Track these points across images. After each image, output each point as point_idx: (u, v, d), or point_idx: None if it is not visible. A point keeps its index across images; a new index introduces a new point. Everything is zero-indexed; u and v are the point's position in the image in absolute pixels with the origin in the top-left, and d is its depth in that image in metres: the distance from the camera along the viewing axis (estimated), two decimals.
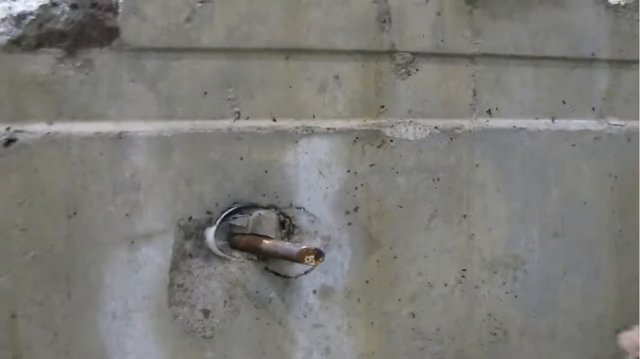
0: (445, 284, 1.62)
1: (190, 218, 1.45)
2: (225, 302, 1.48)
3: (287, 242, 1.49)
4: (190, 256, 1.46)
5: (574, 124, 1.72)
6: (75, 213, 1.35)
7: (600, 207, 1.73)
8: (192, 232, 1.46)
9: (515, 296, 1.68)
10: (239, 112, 1.48)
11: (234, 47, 1.46)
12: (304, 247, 1.35)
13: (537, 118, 1.69)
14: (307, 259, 1.34)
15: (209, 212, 1.46)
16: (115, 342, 1.39)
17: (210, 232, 1.48)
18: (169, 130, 1.43)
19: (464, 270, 1.64)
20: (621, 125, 1.75)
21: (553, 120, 1.70)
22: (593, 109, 1.74)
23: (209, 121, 1.46)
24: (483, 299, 1.65)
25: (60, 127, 1.33)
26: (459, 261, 1.64)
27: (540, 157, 1.68)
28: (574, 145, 1.70)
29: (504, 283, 1.67)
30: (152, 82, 1.40)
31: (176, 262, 1.46)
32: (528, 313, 1.69)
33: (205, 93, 1.45)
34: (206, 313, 1.48)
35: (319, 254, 1.36)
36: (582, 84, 1.73)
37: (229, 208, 1.48)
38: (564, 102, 1.71)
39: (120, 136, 1.37)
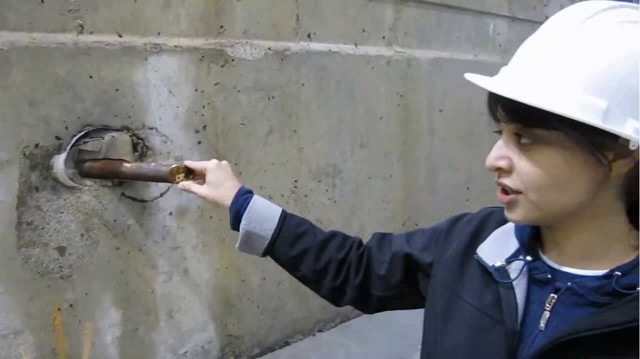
0: (282, 195, 1.75)
1: (37, 145, 1.29)
2: (82, 235, 1.37)
3: (153, 163, 1.43)
4: (37, 188, 1.31)
5: (372, 49, 1.97)
6: None
7: (391, 121, 2.03)
8: (38, 161, 1.30)
9: (335, 201, 1.89)
10: (82, 26, 1.35)
11: None
12: (174, 165, 1.32)
13: (345, 43, 1.89)
14: (178, 178, 1.32)
15: (57, 138, 1.32)
16: None
17: (59, 160, 1.33)
18: (3, 42, 1.23)
19: (295, 181, 1.78)
20: (403, 52, 2.06)
21: (356, 45, 1.93)
22: (384, 37, 2.01)
23: (49, 34, 1.30)
24: (312, 206, 1.83)
25: None
26: (291, 173, 1.77)
27: (350, 78, 1.90)
28: (373, 68, 1.95)
29: (326, 190, 1.87)
30: None
31: (23, 197, 1.29)
32: (344, 215, 1.92)
33: (43, 1, 1.28)
34: (62, 250, 1.35)
35: (189, 172, 1.34)
36: (376, 15, 1.98)
37: (80, 132, 1.36)
38: (364, 31, 1.94)
39: None
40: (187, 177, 1.33)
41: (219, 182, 1.24)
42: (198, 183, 1.27)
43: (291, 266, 1.18)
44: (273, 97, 1.70)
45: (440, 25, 2.23)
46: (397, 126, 2.05)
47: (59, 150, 1.32)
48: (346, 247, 1.16)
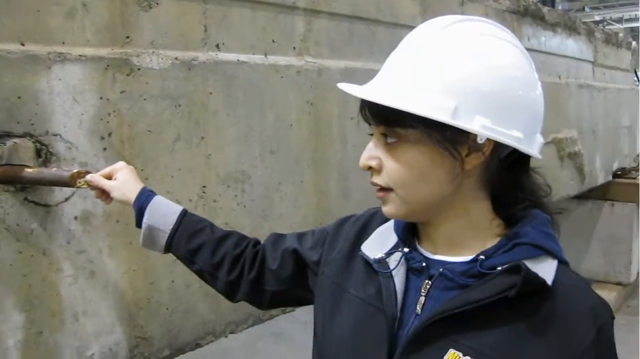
0: (190, 200, 1.81)
1: None
2: None
3: (55, 168, 1.47)
4: None
5: (282, 59, 2.05)
6: None
7: (301, 129, 2.12)
8: None
9: (244, 206, 1.96)
10: None
11: None
12: (75, 170, 1.37)
13: (254, 53, 1.96)
14: (79, 183, 1.36)
15: None
16: None
17: None
18: None
19: (204, 187, 1.84)
20: (314, 62, 2.16)
21: (266, 55, 2.01)
22: (294, 48, 2.10)
23: None
24: (221, 211, 1.89)
25: None
26: (199, 178, 1.83)
27: (259, 87, 1.97)
28: (282, 77, 2.03)
29: (235, 196, 1.93)
30: None
31: None
32: (255, 219, 1.99)
33: None
34: None
35: None
36: (287, 26, 2.07)
37: None
38: (274, 41, 2.03)
39: None
40: (87, 182, 1.37)
41: (126, 179, 1.31)
42: None
43: (188, 259, 1.27)
44: (180, 106, 1.76)
45: (352, 36, 2.34)
46: (308, 134, 2.14)
47: None
48: (242, 244, 1.26)
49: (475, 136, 0.85)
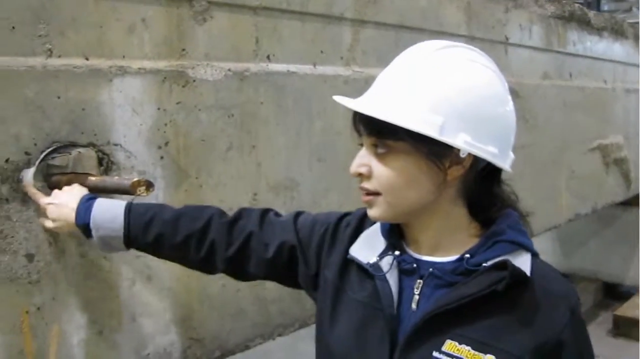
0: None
1: (7, 160, 1.40)
2: (49, 243, 1.48)
3: (116, 177, 1.54)
4: (7, 200, 1.41)
5: (330, 69, 2.10)
6: None
7: (348, 137, 2.15)
8: (8, 175, 1.41)
9: None
10: (51, 50, 1.46)
11: None
12: (135, 179, 1.43)
13: (303, 64, 2.01)
14: (139, 190, 1.43)
15: (27, 153, 1.43)
16: None
17: (28, 174, 1.44)
18: None
19: (255, 194, 1.90)
20: (361, 71, 2.20)
21: (315, 66, 2.05)
22: (341, 58, 2.14)
23: (20, 58, 1.41)
24: None
25: None
26: (250, 186, 1.89)
27: (307, 96, 2.02)
28: (330, 86, 2.08)
29: (284, 202, 1.98)
30: None
31: None
32: None
33: (14, 28, 1.40)
34: (30, 257, 1.45)
35: (149, 185, 1.45)
36: (334, 37, 2.11)
37: (48, 148, 1.46)
38: (322, 52, 2.07)
39: None
40: (147, 190, 1.44)
41: (60, 204, 1.35)
42: None
43: (153, 250, 1.34)
44: (232, 115, 1.82)
45: (398, 45, 2.37)
46: (354, 141, 2.17)
47: (28, 165, 1.43)
48: (203, 217, 1.28)
49: (458, 150, 0.95)
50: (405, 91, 0.97)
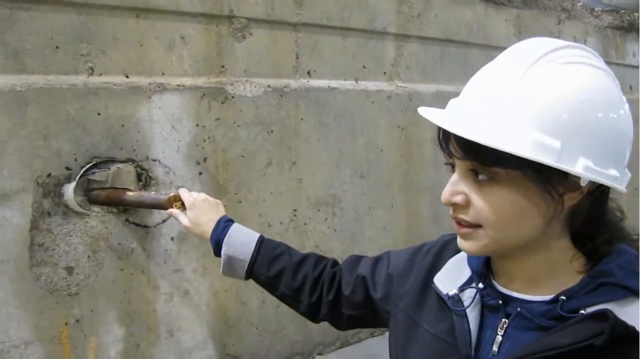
0: (281, 223, 1.86)
1: (49, 175, 1.44)
2: (89, 257, 1.51)
3: (153, 192, 1.56)
4: (49, 214, 1.45)
5: (372, 84, 2.08)
6: None
7: (392, 153, 2.13)
8: (50, 189, 1.45)
9: (335, 230, 1.99)
10: (92, 68, 1.50)
11: (85, 1, 1.48)
12: (171, 194, 1.45)
13: (345, 79, 2.00)
14: (176, 206, 1.44)
15: (68, 168, 1.47)
16: None
17: (69, 189, 1.48)
18: (21, 84, 1.40)
19: (295, 210, 1.89)
20: (404, 87, 2.16)
21: (357, 81, 2.04)
22: (384, 73, 2.12)
23: (62, 76, 1.46)
24: (311, 234, 1.93)
25: None
26: (290, 202, 1.88)
27: (349, 112, 2.00)
28: (373, 102, 2.06)
29: (325, 219, 1.96)
30: None
31: (35, 221, 1.44)
32: (345, 243, 2.01)
33: (57, 47, 1.45)
34: (70, 270, 1.49)
35: None
36: (377, 52, 2.10)
37: (88, 163, 1.50)
38: (364, 67, 2.05)
39: None
40: (183, 205, 1.45)
41: (197, 219, 1.38)
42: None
43: (270, 285, 1.29)
44: (272, 132, 1.82)
45: (443, 59, 2.32)
46: (399, 158, 2.14)
47: (69, 179, 1.47)
48: (321, 265, 1.26)
49: (577, 177, 0.79)
50: (509, 107, 0.81)
